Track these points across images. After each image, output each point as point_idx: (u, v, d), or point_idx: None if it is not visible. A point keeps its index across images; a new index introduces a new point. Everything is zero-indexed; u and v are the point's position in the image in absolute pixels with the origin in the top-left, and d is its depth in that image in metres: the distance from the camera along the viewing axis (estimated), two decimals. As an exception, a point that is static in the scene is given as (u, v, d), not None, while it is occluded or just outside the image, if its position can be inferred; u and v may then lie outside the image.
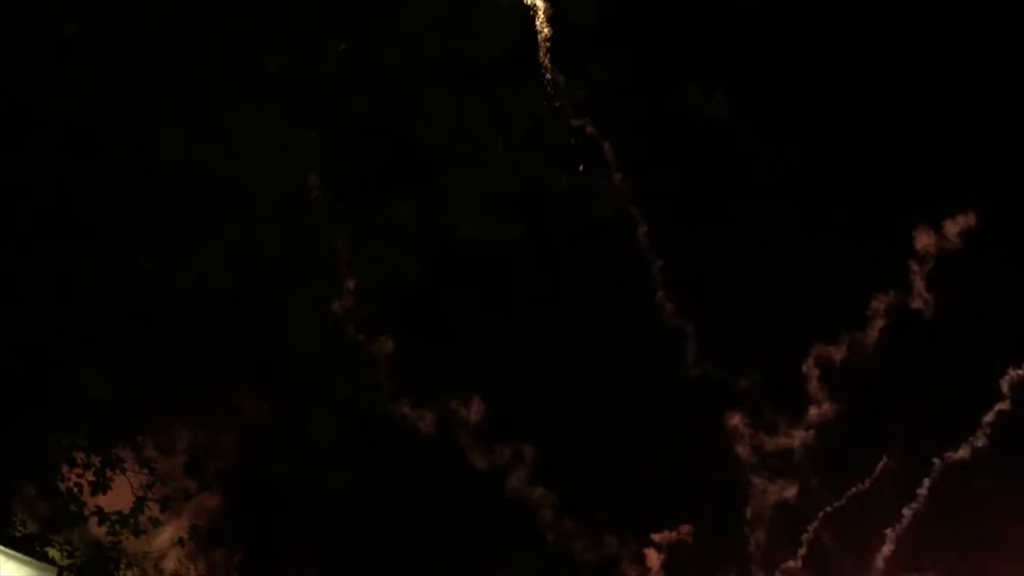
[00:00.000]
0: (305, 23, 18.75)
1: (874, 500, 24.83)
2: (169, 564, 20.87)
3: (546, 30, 21.91)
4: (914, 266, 24.53)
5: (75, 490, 19.10)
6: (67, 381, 18.03)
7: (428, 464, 24.26)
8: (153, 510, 19.64)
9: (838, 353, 25.03)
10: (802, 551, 24.90)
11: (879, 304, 24.81)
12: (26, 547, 17.64)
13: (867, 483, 24.77)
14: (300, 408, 19.89)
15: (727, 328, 25.06)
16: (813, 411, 25.08)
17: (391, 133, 19.67)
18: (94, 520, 19.30)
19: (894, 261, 24.52)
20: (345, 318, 20.90)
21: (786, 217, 24.40)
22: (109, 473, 19.20)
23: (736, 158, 24.42)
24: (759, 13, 23.08)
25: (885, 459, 24.73)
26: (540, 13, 21.82)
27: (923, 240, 24.40)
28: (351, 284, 20.59)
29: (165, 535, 20.57)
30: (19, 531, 18.68)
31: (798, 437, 25.20)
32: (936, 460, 24.40)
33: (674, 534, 25.49)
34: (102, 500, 19.33)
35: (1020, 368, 23.73)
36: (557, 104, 22.28)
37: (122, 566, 19.63)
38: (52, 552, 18.79)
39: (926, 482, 24.43)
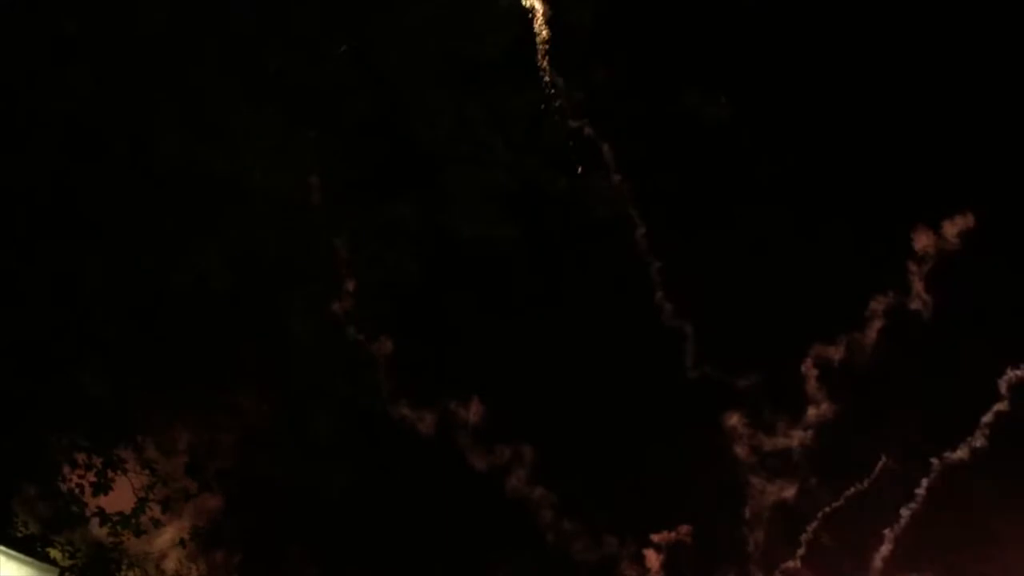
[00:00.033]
0: (305, 23, 18.73)
1: (873, 500, 24.84)
2: (170, 565, 20.86)
3: (544, 32, 21.93)
4: (913, 267, 24.54)
5: (76, 491, 19.08)
6: (67, 381, 18.00)
7: (428, 464, 24.26)
8: (154, 510, 19.63)
9: (837, 354, 25.05)
10: (801, 551, 24.91)
11: (878, 305, 24.83)
12: (28, 548, 17.62)
13: (866, 483, 24.78)
14: (300, 408, 19.88)
15: (726, 329, 25.07)
16: (812, 411, 25.10)
17: (391, 133, 19.66)
18: (95, 521, 19.29)
19: (893, 262, 24.54)
20: (345, 318, 20.91)
21: (785, 218, 24.41)
22: (110, 474, 19.19)
23: (734, 159, 24.43)
24: (758, 14, 23.08)
25: (884, 459, 24.74)
26: (539, 16, 21.86)
27: (922, 241, 24.42)
28: (351, 284, 20.59)
29: (166, 535, 20.56)
30: (21, 532, 18.66)
31: (797, 437, 25.22)
32: (934, 460, 24.42)
33: (673, 534, 25.49)
34: (103, 501, 19.31)
35: (1018, 369, 23.75)
36: (556, 105, 22.31)
37: (123, 567, 19.62)
38: (54, 553, 18.77)
39: (924, 482, 24.45)
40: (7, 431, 17.99)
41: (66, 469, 19.10)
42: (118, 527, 19.31)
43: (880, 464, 24.75)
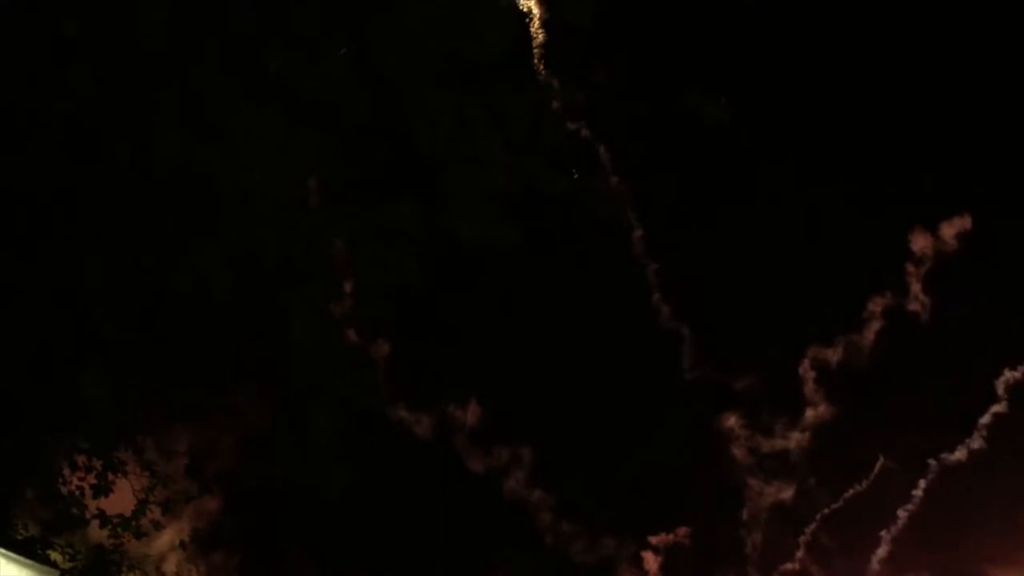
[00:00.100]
0: (305, 23, 18.69)
1: (870, 502, 24.86)
2: (170, 566, 20.83)
3: (540, 36, 21.96)
4: (910, 268, 24.58)
5: (76, 493, 19.00)
6: (67, 382, 17.93)
7: (428, 465, 24.25)
8: (155, 512, 19.56)
9: (835, 355, 25.08)
10: (799, 552, 24.91)
11: (875, 306, 24.88)
12: (28, 550, 17.57)
13: (864, 485, 24.80)
14: (300, 409, 19.83)
15: (724, 330, 25.09)
16: (810, 413, 25.14)
17: (391, 133, 19.63)
18: (95, 523, 19.21)
19: (890, 263, 24.58)
20: (345, 319, 20.89)
21: (783, 219, 24.44)
22: (111, 476, 19.11)
23: (732, 161, 24.45)
24: (758, 15, 23.10)
25: (882, 461, 24.76)
26: (535, 19, 21.88)
27: (919, 242, 24.46)
28: (351, 285, 20.57)
29: (165, 537, 20.53)
30: (21, 534, 18.59)
31: (795, 439, 25.25)
32: (932, 462, 24.44)
33: (671, 536, 25.50)
34: (103, 503, 19.24)
35: (1016, 370, 23.81)
36: (555, 106, 22.31)
37: (124, 569, 19.55)
38: (54, 555, 18.69)
39: (922, 483, 24.47)
40: (7, 433, 17.91)
41: (66, 471, 19.04)
42: (118, 529, 19.24)
43: (878, 465, 24.78)
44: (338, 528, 23.37)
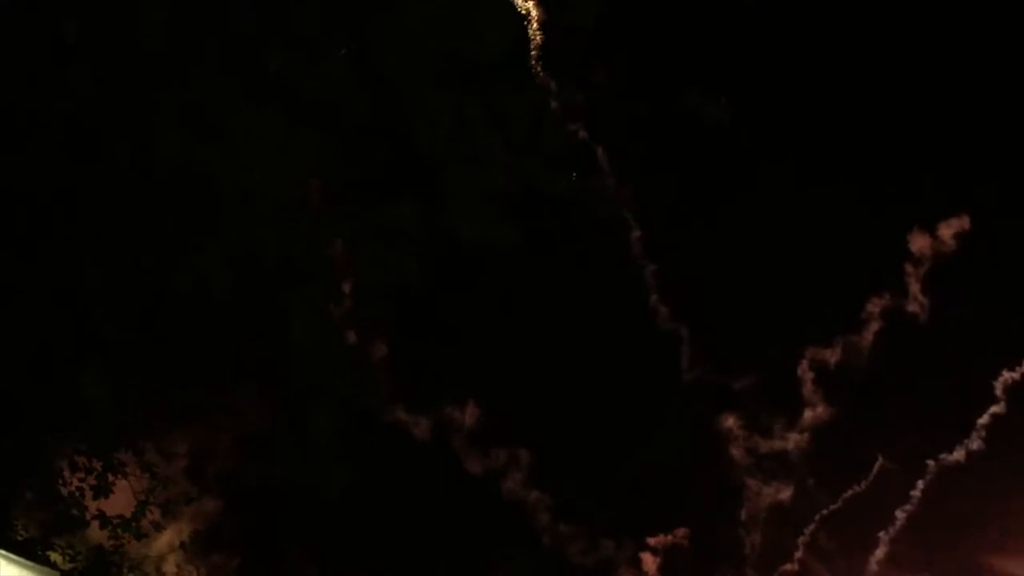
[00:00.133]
0: (305, 23, 18.66)
1: (869, 502, 24.89)
2: (170, 567, 20.81)
3: (538, 37, 21.97)
4: (909, 269, 24.62)
5: (77, 494, 18.95)
6: (67, 383, 17.89)
7: (428, 466, 24.26)
8: (155, 513, 19.53)
9: (833, 356, 25.12)
10: (798, 553, 24.93)
11: (874, 307, 24.93)
12: (28, 551, 17.52)
13: (862, 485, 24.83)
14: (300, 409, 19.80)
15: (722, 331, 25.11)
16: (808, 414, 25.18)
17: (391, 133, 19.62)
18: (96, 524, 19.17)
19: (889, 264, 24.61)
20: (345, 319, 20.88)
21: (782, 220, 24.47)
22: (111, 477, 19.06)
23: (732, 161, 24.48)
24: (758, 15, 23.13)
25: (880, 461, 24.80)
26: (533, 21, 21.89)
27: (918, 243, 24.50)
28: (351, 285, 20.56)
29: (165, 538, 20.51)
30: (21, 535, 18.54)
31: (793, 440, 25.28)
32: (931, 462, 24.48)
33: (670, 537, 25.51)
34: (103, 504, 19.20)
35: (1014, 371, 23.84)
36: (553, 107, 22.33)
37: (124, 570, 19.52)
38: (54, 556, 18.65)
39: (920, 484, 24.50)
40: (7, 433, 17.88)
41: (66, 472, 18.99)
42: (118, 530, 19.19)
43: (877, 466, 24.81)
44: (338, 528, 23.38)
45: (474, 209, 19.93)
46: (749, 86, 23.51)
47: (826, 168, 24.52)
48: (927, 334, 24.77)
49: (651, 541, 25.74)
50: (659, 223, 24.96)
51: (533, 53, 22.10)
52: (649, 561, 25.59)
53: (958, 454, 24.46)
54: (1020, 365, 24.04)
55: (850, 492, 25.13)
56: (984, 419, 24.36)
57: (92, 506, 19.14)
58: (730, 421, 25.60)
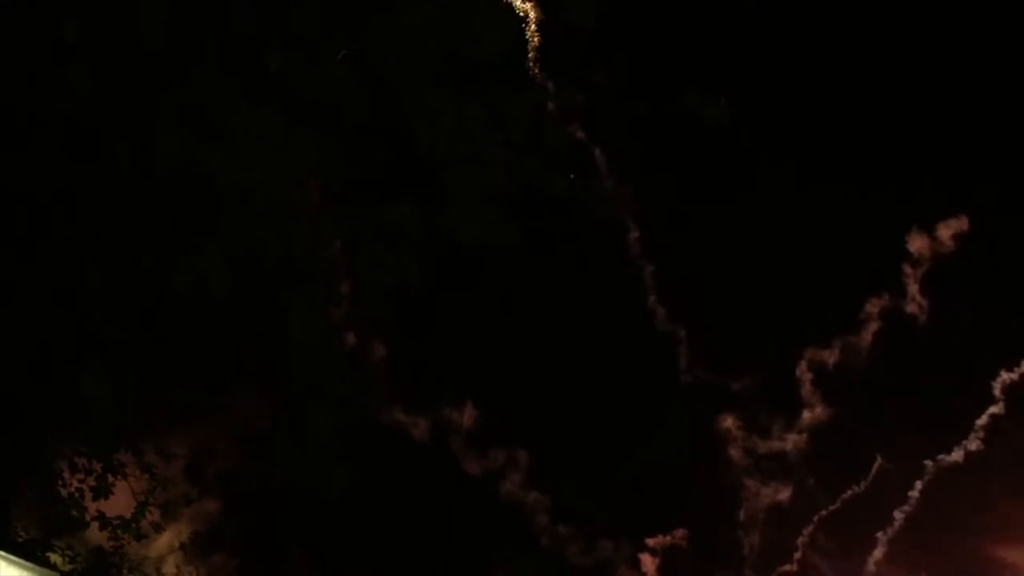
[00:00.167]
0: (305, 23, 18.65)
1: (868, 503, 24.90)
2: (169, 568, 20.78)
3: (541, 37, 21.98)
4: (908, 270, 24.64)
5: (76, 495, 18.93)
6: (67, 383, 17.87)
7: (427, 465, 24.25)
8: (154, 514, 19.50)
9: (832, 357, 25.12)
10: (797, 554, 24.94)
11: (873, 308, 24.93)
12: (28, 553, 17.48)
13: (861, 486, 24.84)
14: (300, 409, 19.79)
15: (720, 332, 25.12)
16: (807, 414, 25.18)
17: (391, 133, 19.62)
18: (95, 525, 19.14)
19: (888, 265, 24.63)
20: (345, 319, 20.88)
21: (780, 220, 24.48)
22: (110, 478, 19.03)
23: (730, 162, 24.49)
24: (758, 15, 23.15)
25: (879, 462, 24.81)
26: (531, 23, 21.91)
27: (917, 244, 24.52)
28: (351, 285, 20.56)
29: (164, 539, 20.47)
30: (20, 536, 18.50)
31: (792, 440, 25.28)
32: (929, 463, 24.49)
33: (669, 538, 25.50)
34: (103, 505, 19.17)
35: (1013, 371, 23.86)
36: (553, 107, 22.33)
37: (124, 571, 19.49)
38: (54, 557, 18.61)
39: (919, 485, 24.51)
40: (7, 433, 17.85)
41: (66, 473, 18.97)
42: (118, 531, 19.17)
43: (875, 467, 24.83)
44: (338, 528, 23.36)
45: (474, 209, 19.94)
46: (749, 86, 23.52)
47: (825, 169, 24.54)
48: (925, 335, 24.80)
49: (650, 542, 25.74)
50: (658, 223, 24.98)
51: (533, 53, 22.08)
52: (648, 562, 25.59)
53: (956, 455, 24.47)
54: (1018, 366, 24.05)
55: (849, 493, 25.14)
56: (983, 420, 24.39)
57: (92, 507, 19.10)
58: (729, 422, 25.61)
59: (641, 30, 23.26)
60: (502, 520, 25.01)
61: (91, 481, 19.02)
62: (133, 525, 19.19)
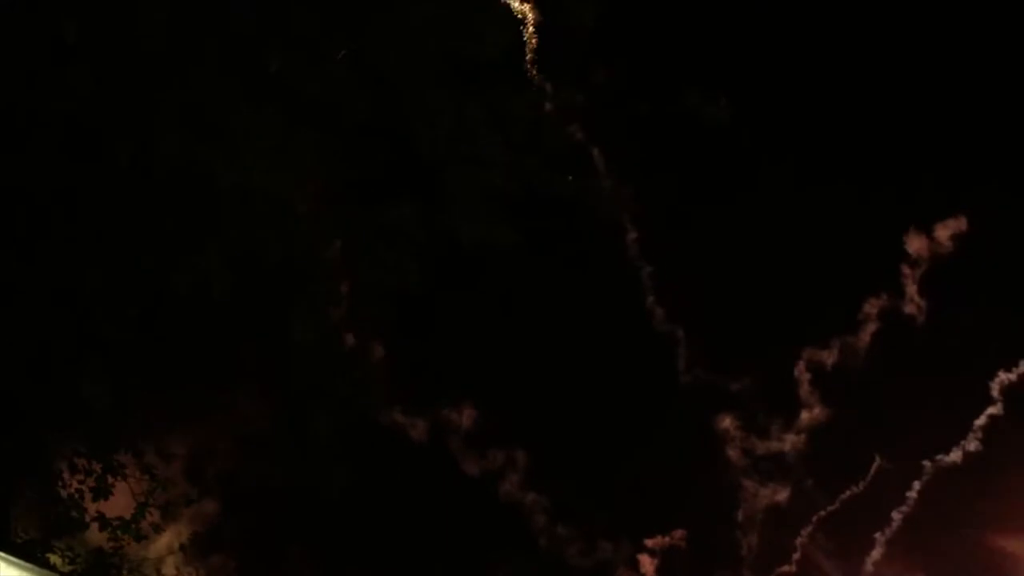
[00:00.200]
0: (305, 23, 18.62)
1: (866, 503, 24.93)
2: (169, 569, 20.77)
3: (541, 37, 22.00)
4: (906, 270, 24.67)
5: (76, 496, 18.92)
6: (67, 384, 17.84)
7: (427, 467, 24.25)
8: (154, 515, 19.49)
9: (830, 357, 25.14)
10: (795, 554, 24.95)
11: (871, 308, 24.96)
12: (27, 553, 17.45)
13: (859, 486, 24.86)
14: (300, 409, 19.78)
15: (719, 332, 25.14)
16: (805, 415, 25.20)
17: (391, 133, 19.60)
18: (95, 526, 19.13)
19: (886, 265, 24.66)
20: (345, 319, 20.87)
21: (779, 221, 24.50)
22: (110, 479, 19.02)
23: (729, 162, 24.51)
24: (758, 15, 23.16)
25: (877, 463, 24.84)
26: (533, 22, 21.92)
27: (915, 244, 24.54)
28: (351, 285, 20.54)
29: (164, 540, 20.46)
30: (20, 537, 18.47)
31: (790, 441, 25.31)
32: (928, 463, 24.51)
33: (667, 539, 25.51)
34: (103, 506, 19.17)
35: (1011, 372, 23.88)
36: (553, 107, 22.34)
37: (124, 572, 19.48)
38: (53, 558, 18.60)
39: (917, 485, 24.54)
40: (7, 434, 17.83)
41: (66, 474, 18.96)
42: (118, 532, 19.16)
43: (874, 467, 24.85)
44: (338, 528, 23.37)
45: (474, 209, 19.91)
46: (749, 86, 23.53)
47: (824, 169, 24.57)
48: (924, 335, 24.83)
49: (648, 542, 25.76)
50: (657, 224, 24.99)
51: (532, 54, 22.08)
52: (647, 562, 25.60)
53: (955, 455, 24.50)
54: (1017, 366, 24.09)
55: (847, 493, 25.16)
56: (981, 420, 24.42)
57: (92, 508, 19.10)
58: (727, 422, 25.63)
59: (641, 30, 23.28)
60: (501, 521, 25.03)
61: (91, 482, 19.00)
62: (133, 526, 19.18)
